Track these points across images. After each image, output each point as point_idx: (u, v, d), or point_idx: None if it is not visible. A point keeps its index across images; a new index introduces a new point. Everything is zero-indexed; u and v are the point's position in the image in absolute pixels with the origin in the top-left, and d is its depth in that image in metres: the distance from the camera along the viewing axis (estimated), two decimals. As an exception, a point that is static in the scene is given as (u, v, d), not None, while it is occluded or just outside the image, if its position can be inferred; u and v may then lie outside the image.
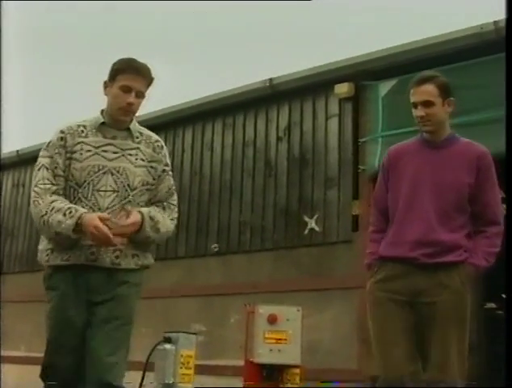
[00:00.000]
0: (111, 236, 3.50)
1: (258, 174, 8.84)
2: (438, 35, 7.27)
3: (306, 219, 8.11)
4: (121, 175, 3.73)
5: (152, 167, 3.83)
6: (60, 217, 3.55)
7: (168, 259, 9.50)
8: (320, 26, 22.51)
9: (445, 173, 3.93)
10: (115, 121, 3.80)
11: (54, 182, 3.70)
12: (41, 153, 3.81)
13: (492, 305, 7.68)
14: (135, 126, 3.88)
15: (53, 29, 26.01)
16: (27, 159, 11.77)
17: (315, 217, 8.10)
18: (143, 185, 3.79)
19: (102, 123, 3.79)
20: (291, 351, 6.84)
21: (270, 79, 8.64)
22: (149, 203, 3.83)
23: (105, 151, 3.74)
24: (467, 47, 7.08)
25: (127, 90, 3.71)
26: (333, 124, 8.21)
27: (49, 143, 3.79)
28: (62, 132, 3.77)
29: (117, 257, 3.71)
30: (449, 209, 3.88)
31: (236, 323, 8.41)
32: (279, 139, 8.72)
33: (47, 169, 3.71)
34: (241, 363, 7.25)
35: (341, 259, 7.82)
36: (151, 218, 3.74)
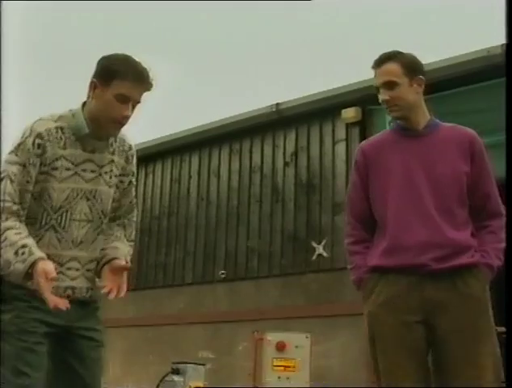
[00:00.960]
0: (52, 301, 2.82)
1: (265, 200, 8.80)
2: (445, 59, 7.25)
3: (314, 245, 8.06)
4: (96, 200, 3.17)
5: (121, 181, 3.28)
6: (10, 255, 2.88)
7: (175, 285, 9.46)
8: (326, 49, 22.58)
9: (438, 164, 3.39)
10: (101, 131, 3.14)
11: (17, 200, 2.99)
12: (8, 158, 3.04)
13: (502, 329, 7.52)
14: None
15: (54, 29, 26.08)
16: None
17: (323, 243, 8.04)
18: (112, 202, 3.27)
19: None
20: (299, 378, 6.77)
21: (277, 104, 8.62)
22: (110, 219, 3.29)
23: (84, 170, 3.12)
24: (473, 70, 7.06)
25: (124, 100, 3.05)
26: (341, 148, 8.19)
27: (19, 145, 3.04)
28: (40, 136, 3.03)
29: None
30: (451, 205, 3.33)
31: (244, 350, 8.34)
32: (285, 164, 8.70)
33: (11, 181, 2.98)
34: (250, 391, 7.19)
35: (349, 284, 7.66)
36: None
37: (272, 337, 6.87)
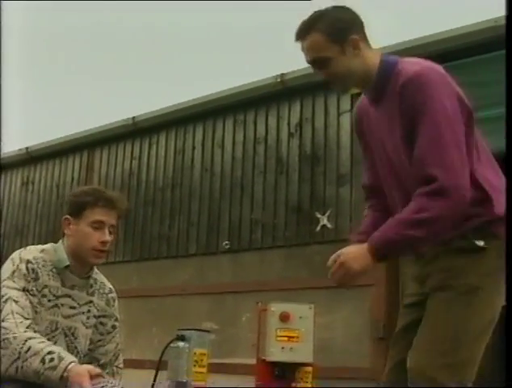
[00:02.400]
0: None
1: (269, 171, 8.77)
2: (451, 30, 7.19)
3: (318, 216, 8.03)
4: (74, 337, 3.16)
5: (101, 323, 3.30)
6: (37, 364, 2.78)
7: (179, 257, 9.46)
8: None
9: (387, 145, 2.83)
10: (82, 265, 3.19)
11: (27, 315, 2.96)
12: (6, 283, 3.02)
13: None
14: (93, 272, 3.30)
15: (54, 27, 25.99)
16: (36, 156, 11.78)
17: (327, 214, 8.02)
18: (89, 344, 3.27)
19: (66, 266, 3.16)
20: (303, 349, 6.77)
21: (282, 75, 8.57)
22: (96, 365, 3.17)
23: (62, 305, 3.13)
24: (480, 41, 7.00)
25: (99, 226, 3.12)
26: (345, 120, 8.14)
27: (14, 272, 3.04)
28: (31, 262, 3.07)
29: None
30: (410, 189, 2.70)
31: (247, 322, 8.36)
32: (290, 135, 8.66)
33: (16, 301, 2.96)
34: (253, 361, 7.19)
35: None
36: None
37: (276, 307, 6.86)
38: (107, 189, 3.33)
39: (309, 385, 6.72)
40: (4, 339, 2.83)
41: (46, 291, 3.09)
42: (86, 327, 3.23)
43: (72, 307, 3.17)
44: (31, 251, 3.15)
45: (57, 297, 3.12)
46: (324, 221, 8.04)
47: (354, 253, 2.78)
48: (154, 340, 8.54)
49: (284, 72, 8.59)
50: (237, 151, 9.17)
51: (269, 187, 8.72)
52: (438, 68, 2.85)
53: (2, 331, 2.85)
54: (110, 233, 3.17)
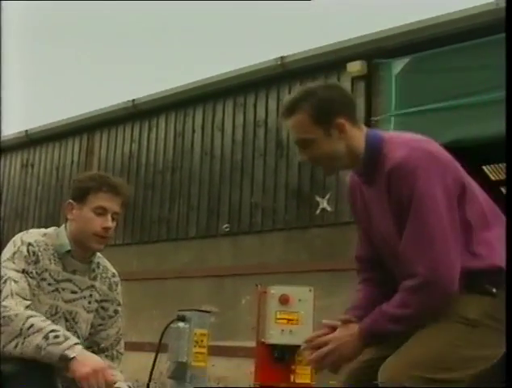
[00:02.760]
0: None
1: (269, 154, 8.76)
2: (452, 13, 7.16)
3: (318, 199, 8.03)
4: (75, 322, 3.14)
5: (103, 308, 3.26)
6: (38, 340, 2.78)
7: (179, 239, 9.47)
8: (332, 3, 22.38)
9: (381, 219, 2.72)
10: (84, 250, 3.16)
11: (27, 297, 2.94)
12: (6, 264, 3.01)
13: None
14: (95, 257, 3.26)
15: (55, 9, 25.92)
16: (35, 139, 11.77)
17: (327, 197, 8.02)
18: (90, 329, 3.24)
19: (67, 251, 3.14)
20: (302, 332, 6.77)
21: (282, 58, 8.54)
22: (96, 349, 3.21)
23: (63, 289, 3.11)
24: (481, 24, 6.96)
25: (102, 212, 3.10)
26: (346, 103, 8.11)
27: (14, 254, 3.03)
28: (32, 245, 3.06)
29: None
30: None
31: (247, 304, 8.37)
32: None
33: (15, 282, 2.94)
34: (253, 344, 7.21)
35: (353, 239, 7.73)
36: None
37: (275, 290, 6.88)
38: (112, 176, 3.27)
39: (309, 368, 6.75)
40: (4, 317, 2.82)
41: (46, 275, 3.07)
42: (87, 312, 3.20)
43: (73, 292, 3.14)
44: (33, 235, 3.13)
45: (58, 282, 3.09)
46: (324, 204, 8.04)
47: (344, 339, 2.74)
48: (154, 323, 8.55)
49: (284, 55, 8.56)
50: (237, 134, 9.16)
51: (269, 171, 8.71)
52: (427, 145, 2.63)
53: (2, 309, 2.83)
54: (113, 219, 3.14)
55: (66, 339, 2.80)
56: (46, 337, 2.78)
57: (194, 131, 9.66)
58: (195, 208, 9.34)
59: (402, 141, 2.66)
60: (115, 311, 3.30)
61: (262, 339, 6.93)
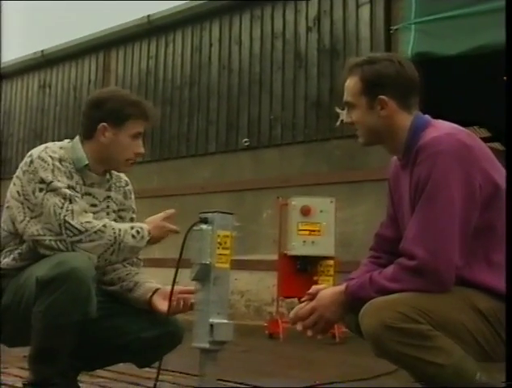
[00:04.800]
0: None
1: (287, 66, 8.66)
2: None
3: (338, 111, 7.95)
4: None
5: (120, 217, 3.26)
6: (131, 240, 2.97)
7: (198, 155, 9.46)
8: None
9: (408, 205, 2.68)
10: (104, 166, 3.16)
11: (85, 210, 3.03)
12: (43, 175, 2.96)
13: None
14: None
15: None
16: (52, 59, 11.69)
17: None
18: None
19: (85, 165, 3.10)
20: (324, 242, 6.82)
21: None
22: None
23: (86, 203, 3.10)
24: None
25: (137, 137, 3.13)
26: (365, 12, 7.97)
27: (53, 172, 2.99)
28: (62, 160, 3.04)
29: None
30: None
31: (268, 218, 8.39)
32: (308, 29, 8.50)
33: (74, 199, 2.97)
34: (275, 257, 7.25)
35: (373, 150, 7.68)
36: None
37: (297, 202, 6.88)
38: (139, 97, 3.24)
39: (331, 278, 6.80)
40: (96, 232, 2.90)
41: (73, 182, 3.06)
42: None
43: (93, 205, 3.12)
44: (55, 149, 3.07)
45: (81, 196, 3.07)
46: (343, 115, 7.96)
47: (327, 303, 2.71)
48: (177, 239, 8.59)
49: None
50: (255, 47, 9.04)
51: (288, 83, 8.62)
52: (464, 137, 2.56)
53: (87, 225, 2.90)
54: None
55: (142, 228, 3.01)
56: (133, 236, 2.97)
57: (211, 45, 9.54)
58: (214, 122, 9.29)
59: (443, 126, 2.60)
60: (132, 219, 3.30)
61: (285, 252, 6.97)
